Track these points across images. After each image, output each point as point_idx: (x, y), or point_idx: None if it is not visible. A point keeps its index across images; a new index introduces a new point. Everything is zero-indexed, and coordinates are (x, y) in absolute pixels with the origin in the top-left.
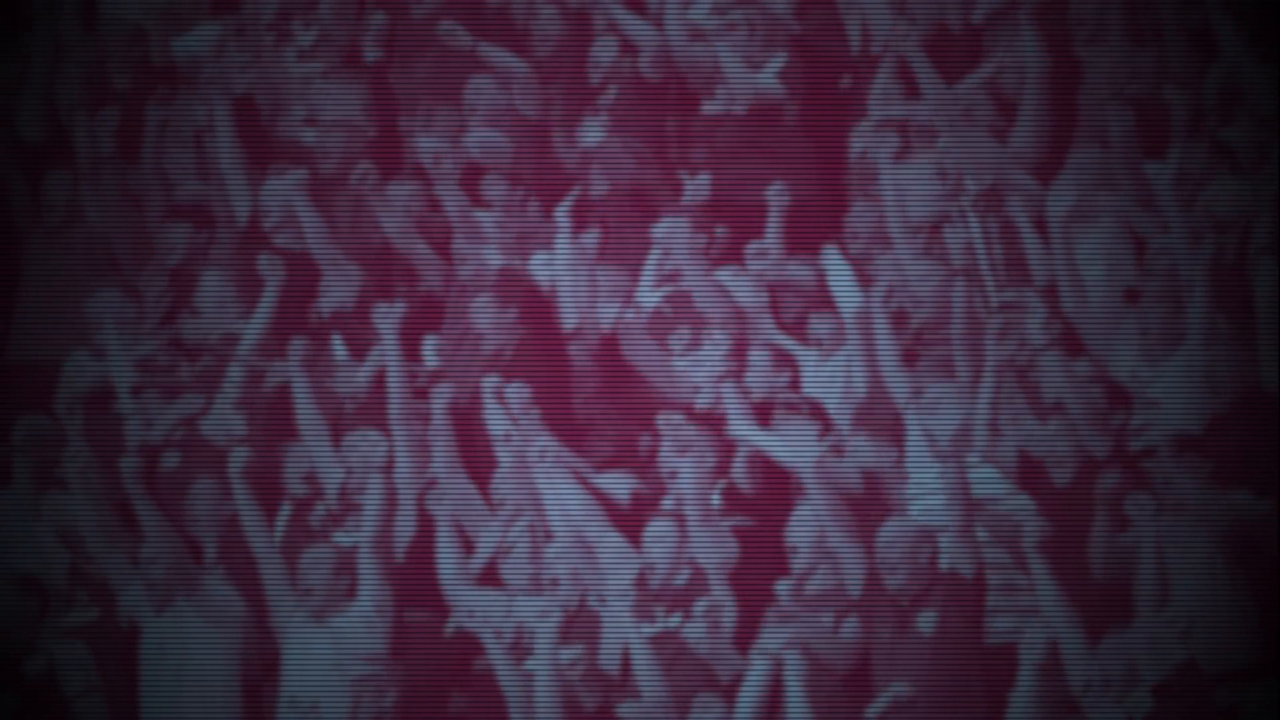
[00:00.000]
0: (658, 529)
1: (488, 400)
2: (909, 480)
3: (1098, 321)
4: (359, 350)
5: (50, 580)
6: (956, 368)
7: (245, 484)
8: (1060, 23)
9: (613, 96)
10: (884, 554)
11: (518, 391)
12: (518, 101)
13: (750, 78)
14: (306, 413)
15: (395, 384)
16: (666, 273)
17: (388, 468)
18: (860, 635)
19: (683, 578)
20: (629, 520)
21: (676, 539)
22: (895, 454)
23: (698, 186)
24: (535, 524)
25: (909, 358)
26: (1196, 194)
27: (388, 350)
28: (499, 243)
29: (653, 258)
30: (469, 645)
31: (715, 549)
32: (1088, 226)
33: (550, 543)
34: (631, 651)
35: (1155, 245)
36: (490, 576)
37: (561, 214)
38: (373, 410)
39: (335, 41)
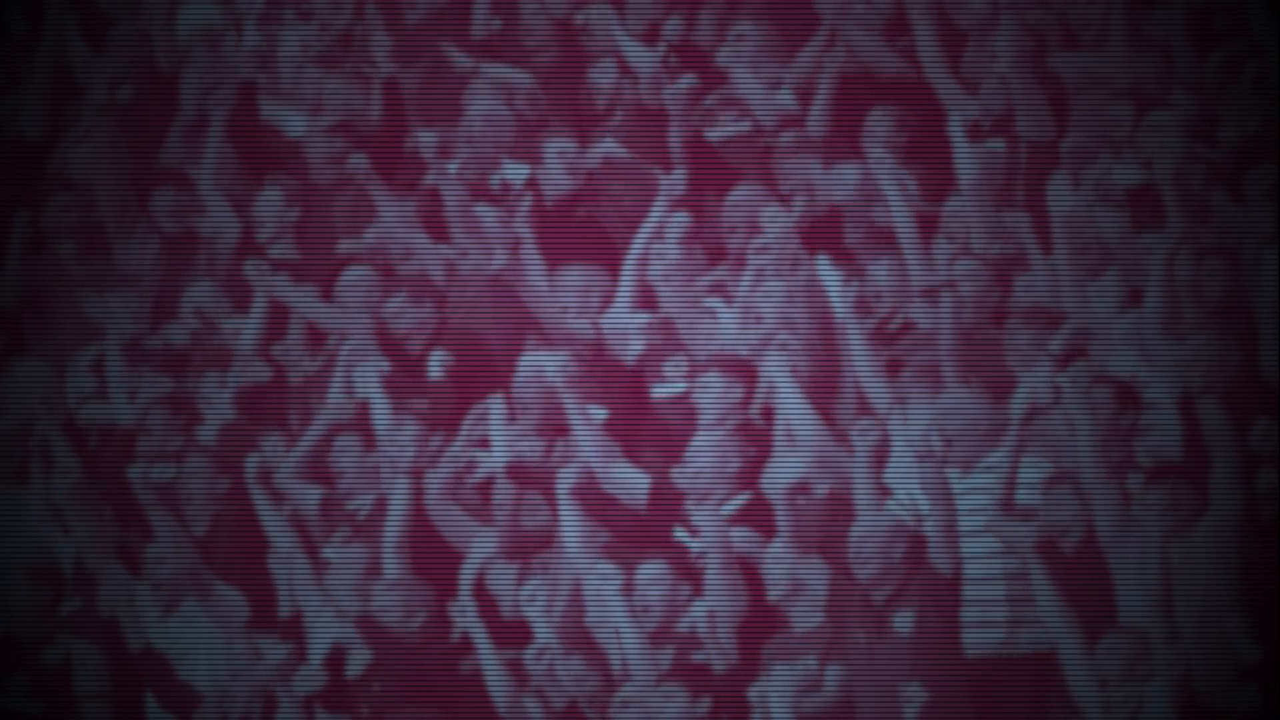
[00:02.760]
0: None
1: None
2: (887, 478)
3: (1100, 322)
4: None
5: (60, 573)
6: (946, 372)
7: (263, 488)
8: (1062, 24)
9: (617, 120)
10: (857, 549)
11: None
12: (518, 106)
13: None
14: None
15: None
16: (650, 283)
17: (413, 471)
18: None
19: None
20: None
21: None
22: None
23: (673, 183)
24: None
25: (893, 364)
26: (1198, 192)
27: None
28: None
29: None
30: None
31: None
32: (1088, 226)
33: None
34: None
35: (1155, 244)
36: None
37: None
38: (390, 413)
39: (331, 39)
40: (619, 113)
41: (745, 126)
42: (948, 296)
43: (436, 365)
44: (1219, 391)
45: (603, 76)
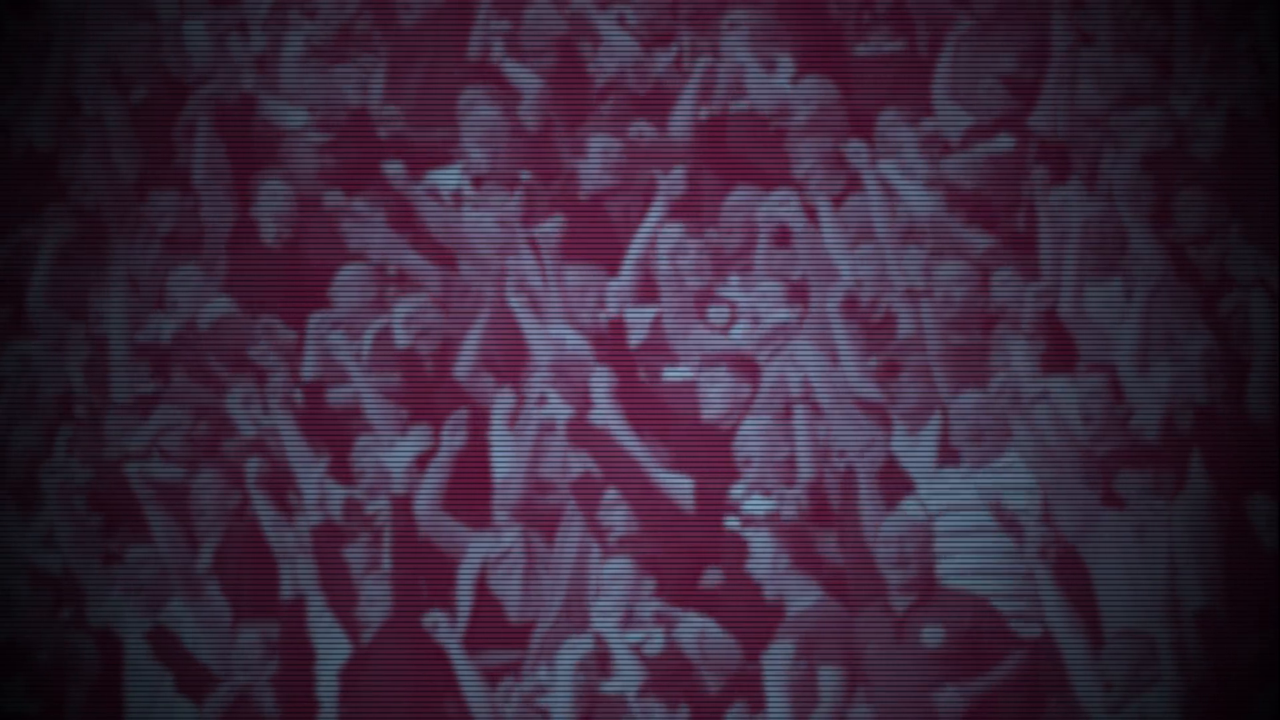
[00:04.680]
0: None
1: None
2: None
3: (1095, 320)
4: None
5: (59, 574)
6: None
7: (263, 491)
8: (1066, 23)
9: (610, 108)
10: (884, 550)
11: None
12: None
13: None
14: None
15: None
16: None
17: (414, 473)
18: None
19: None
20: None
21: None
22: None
23: (672, 183)
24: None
25: (890, 366)
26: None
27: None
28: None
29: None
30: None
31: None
32: (1085, 225)
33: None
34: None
35: (1149, 242)
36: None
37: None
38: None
39: (328, 42)
40: (613, 101)
41: (744, 106)
42: (929, 299)
43: (435, 366)
44: (1206, 387)
45: (605, 61)
